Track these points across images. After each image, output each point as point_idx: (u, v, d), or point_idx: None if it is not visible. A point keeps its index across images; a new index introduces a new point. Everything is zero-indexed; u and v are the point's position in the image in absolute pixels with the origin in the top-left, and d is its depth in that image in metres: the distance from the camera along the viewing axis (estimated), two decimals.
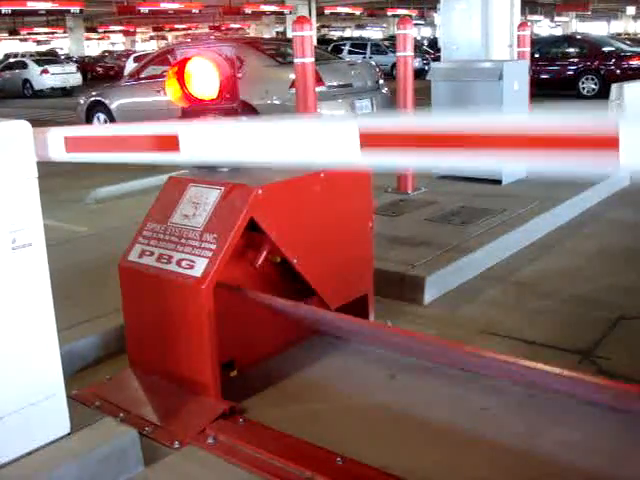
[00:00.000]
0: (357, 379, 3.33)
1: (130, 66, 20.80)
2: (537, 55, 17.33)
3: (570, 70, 17.95)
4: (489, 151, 1.54)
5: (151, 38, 66.93)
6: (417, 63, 24.14)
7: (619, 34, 44.48)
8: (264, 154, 1.96)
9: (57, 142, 2.40)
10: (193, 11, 34.32)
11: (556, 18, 56.24)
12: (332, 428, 2.92)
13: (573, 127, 1.44)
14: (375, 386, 3.26)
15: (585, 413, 2.89)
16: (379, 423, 2.96)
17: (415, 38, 27.93)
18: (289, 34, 27.06)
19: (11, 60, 31.10)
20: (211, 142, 2.07)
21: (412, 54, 6.07)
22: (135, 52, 33.78)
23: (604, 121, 1.41)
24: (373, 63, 12.07)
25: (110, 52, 52.17)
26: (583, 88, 17.58)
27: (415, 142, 1.64)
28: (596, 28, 62.88)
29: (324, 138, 1.82)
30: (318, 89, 6.94)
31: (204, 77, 3.24)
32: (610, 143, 1.38)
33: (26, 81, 27.85)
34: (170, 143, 2.12)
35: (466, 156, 1.58)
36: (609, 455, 2.67)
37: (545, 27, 60.32)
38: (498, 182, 6.47)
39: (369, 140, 1.72)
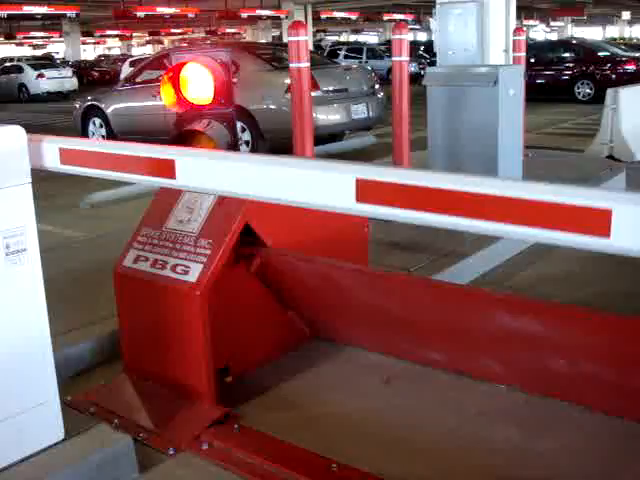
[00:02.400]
0: (352, 385, 3.33)
1: (126, 70, 20.78)
2: (533, 60, 17.36)
3: (566, 75, 17.98)
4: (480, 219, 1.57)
5: (147, 42, 66.86)
6: (413, 68, 24.17)
7: (614, 39, 44.59)
8: (259, 191, 1.98)
9: (52, 153, 2.40)
10: (189, 16, 34.30)
11: (552, 23, 56.39)
12: (327, 434, 2.91)
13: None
14: (370, 392, 3.25)
15: (581, 418, 2.89)
16: (374, 429, 2.95)
17: (411, 43, 27.95)
18: (285, 39, 27.08)
19: (7, 64, 31.05)
20: (208, 174, 2.09)
21: (408, 59, 6.07)
22: (131, 56, 33.78)
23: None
24: (369, 68, 12.10)
25: (106, 56, 52.19)
26: (579, 93, 17.62)
27: (414, 202, 1.66)
28: (591, 33, 63.02)
29: (321, 185, 1.85)
30: (314, 94, 6.94)
31: (199, 82, 3.24)
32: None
33: (22, 85, 27.83)
34: (166, 169, 2.13)
35: (458, 219, 1.61)
36: (605, 461, 2.67)
37: (541, 32, 60.44)
38: None
39: (366, 192, 1.74)
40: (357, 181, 1.74)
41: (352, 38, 61.64)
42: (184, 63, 3.25)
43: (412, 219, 1.68)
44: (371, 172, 1.73)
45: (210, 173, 2.08)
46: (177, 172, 2.11)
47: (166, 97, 3.28)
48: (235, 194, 2.08)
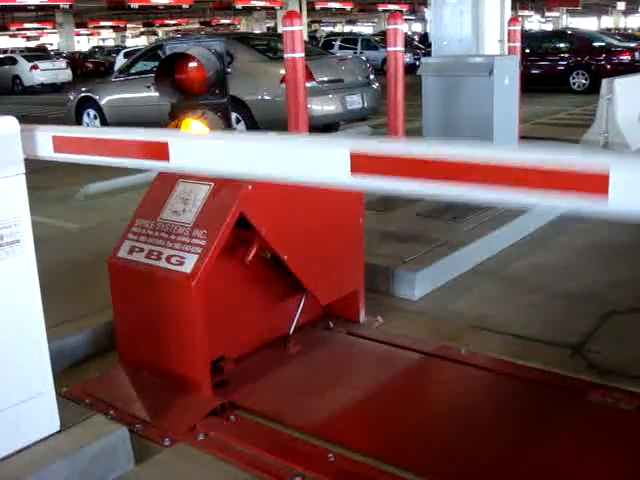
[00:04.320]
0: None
1: (120, 62, 20.72)
2: (528, 50, 17.34)
3: (561, 65, 17.96)
4: (479, 184, 1.56)
5: (141, 34, 66.62)
6: (408, 58, 24.12)
7: (609, 29, 44.54)
8: (254, 169, 1.98)
9: (45, 141, 2.39)
10: (183, 6, 34.26)
11: (546, 13, 56.32)
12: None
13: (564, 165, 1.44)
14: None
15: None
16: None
17: (406, 33, 27.93)
18: (280, 29, 27.01)
19: (0, 56, 30.93)
20: (202, 154, 2.08)
21: (403, 49, 6.06)
22: (125, 48, 33.67)
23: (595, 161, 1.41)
24: (364, 58, 12.07)
25: (100, 48, 52.01)
26: (574, 83, 17.59)
27: (408, 171, 1.65)
28: (586, 23, 62.99)
29: (315, 159, 1.84)
30: (309, 84, 6.93)
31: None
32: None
33: (16, 77, 27.71)
34: (160, 152, 2.12)
35: (454, 187, 1.59)
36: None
37: (535, 22, 60.36)
38: None
39: (360, 164, 1.73)
40: (351, 154, 1.73)
41: (347, 29, 61.50)
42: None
43: (408, 189, 1.67)
44: (365, 144, 1.73)
45: (204, 154, 2.07)
46: (170, 154, 2.10)
47: None
48: (230, 174, 2.08)
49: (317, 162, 1.83)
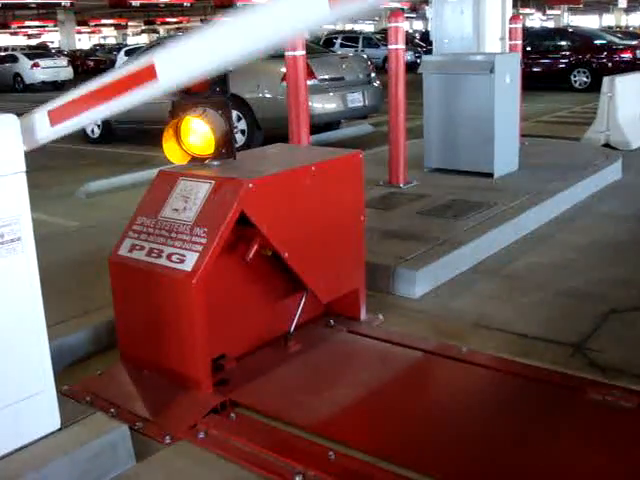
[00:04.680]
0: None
1: (121, 60, 20.70)
2: (529, 48, 17.32)
3: (562, 63, 17.96)
4: None
5: (142, 32, 66.58)
6: (409, 56, 24.12)
7: (610, 27, 44.46)
8: (242, 47, 2.03)
9: (42, 121, 2.38)
10: (184, 4, 34.24)
11: (548, 11, 56.18)
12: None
13: None
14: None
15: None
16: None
17: (407, 31, 27.90)
18: None
19: (2, 54, 30.92)
20: (188, 58, 2.13)
21: (404, 47, 6.05)
22: (127, 46, 33.65)
23: None
24: (365, 56, 12.07)
25: (101, 46, 52.00)
26: (575, 81, 17.60)
27: None
28: (588, 21, 62.94)
29: (294, 10, 1.94)
30: (309, 82, 6.93)
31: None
32: None
33: (17, 75, 27.73)
34: (147, 74, 2.16)
35: None
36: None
37: (537, 20, 60.26)
38: (490, 175, 6.47)
39: None
40: None
41: (348, 27, 61.40)
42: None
43: None
44: None
45: (189, 55, 2.12)
46: (157, 72, 2.15)
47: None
48: (221, 63, 2.11)
49: (297, 12, 1.93)
